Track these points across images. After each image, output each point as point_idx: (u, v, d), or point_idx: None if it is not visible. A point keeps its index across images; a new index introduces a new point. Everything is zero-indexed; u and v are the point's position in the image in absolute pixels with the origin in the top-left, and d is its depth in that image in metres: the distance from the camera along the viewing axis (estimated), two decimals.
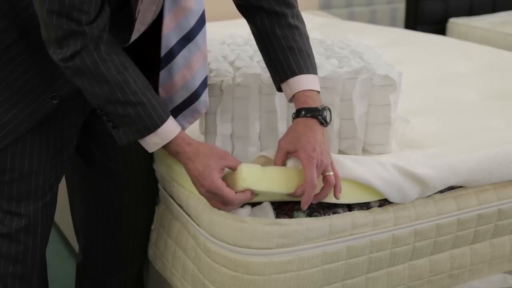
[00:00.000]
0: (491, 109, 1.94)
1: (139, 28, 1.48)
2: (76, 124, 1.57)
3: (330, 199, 1.40)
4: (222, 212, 1.42)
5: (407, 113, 1.82)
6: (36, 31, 1.35)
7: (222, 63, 1.62)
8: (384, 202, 1.49)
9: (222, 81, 1.54)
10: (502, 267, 1.70)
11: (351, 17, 4.18)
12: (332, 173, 1.37)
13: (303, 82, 1.43)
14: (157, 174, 1.72)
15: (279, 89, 1.48)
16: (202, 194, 1.39)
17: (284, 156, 1.40)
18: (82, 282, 1.87)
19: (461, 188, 1.59)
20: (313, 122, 1.39)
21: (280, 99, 1.53)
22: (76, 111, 1.54)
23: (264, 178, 1.36)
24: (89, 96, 1.36)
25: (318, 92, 1.44)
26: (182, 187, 1.57)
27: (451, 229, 1.57)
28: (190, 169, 1.38)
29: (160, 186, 1.74)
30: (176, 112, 1.49)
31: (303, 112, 1.40)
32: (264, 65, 1.56)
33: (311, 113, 1.40)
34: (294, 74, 1.44)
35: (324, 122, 1.40)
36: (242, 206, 1.41)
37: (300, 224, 1.40)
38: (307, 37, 1.51)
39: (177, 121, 1.45)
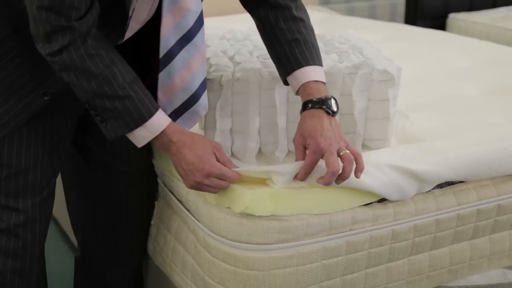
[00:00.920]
0: (491, 104, 1.94)
1: (134, 26, 1.47)
2: (72, 119, 1.57)
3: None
4: (222, 208, 1.42)
5: (407, 108, 1.82)
6: (28, 26, 1.34)
7: (221, 58, 1.61)
8: (383, 198, 1.49)
9: (222, 76, 1.54)
10: (502, 262, 1.70)
11: (351, 12, 4.18)
12: (347, 151, 1.35)
13: (309, 73, 1.43)
14: (156, 169, 1.72)
15: (286, 83, 1.48)
16: (196, 182, 1.38)
17: (302, 152, 1.39)
18: (81, 277, 1.87)
19: (460, 184, 1.59)
20: (318, 112, 1.39)
21: (279, 94, 1.53)
22: (72, 106, 1.54)
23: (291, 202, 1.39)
24: (76, 90, 1.35)
25: (324, 83, 1.44)
26: (182, 182, 1.56)
27: (451, 225, 1.57)
28: (186, 156, 1.37)
29: (159, 181, 1.74)
30: (175, 115, 1.48)
31: (309, 105, 1.40)
32: (264, 60, 1.55)
33: (317, 105, 1.40)
34: (300, 66, 1.43)
35: (330, 112, 1.40)
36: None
37: (299, 219, 1.40)
38: (311, 29, 1.50)
39: (177, 124, 1.44)
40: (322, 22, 3.08)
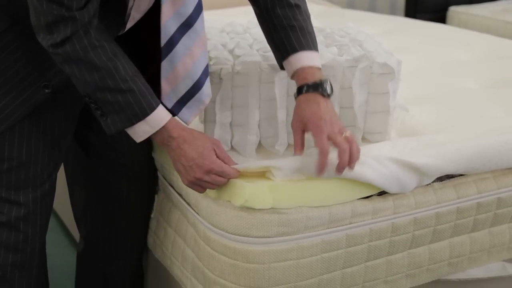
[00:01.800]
0: (491, 98, 1.94)
1: (134, 16, 1.47)
2: (73, 112, 1.57)
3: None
4: (221, 201, 1.42)
5: (407, 101, 1.82)
6: (28, 19, 1.34)
7: (221, 51, 1.61)
8: (383, 191, 1.49)
9: (222, 69, 1.53)
10: (501, 255, 1.71)
11: (351, 5, 4.17)
12: (349, 132, 1.36)
13: (303, 58, 1.44)
14: (156, 162, 1.72)
15: (282, 67, 1.49)
16: (196, 178, 1.39)
17: (301, 137, 1.40)
18: (83, 271, 1.87)
19: (460, 177, 1.59)
20: (314, 95, 1.40)
21: (279, 87, 1.53)
22: (72, 99, 1.54)
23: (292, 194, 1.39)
24: (78, 83, 1.35)
25: (319, 68, 1.44)
26: None
27: (451, 218, 1.57)
28: (186, 152, 1.38)
29: (159, 175, 1.74)
30: (181, 104, 1.47)
31: (304, 89, 1.41)
32: (264, 53, 1.55)
33: (311, 88, 1.40)
34: (294, 50, 1.44)
35: (325, 95, 1.40)
36: None
37: (299, 212, 1.40)
38: (308, 15, 1.51)
39: (182, 114, 1.45)
40: (322, 15, 3.07)
